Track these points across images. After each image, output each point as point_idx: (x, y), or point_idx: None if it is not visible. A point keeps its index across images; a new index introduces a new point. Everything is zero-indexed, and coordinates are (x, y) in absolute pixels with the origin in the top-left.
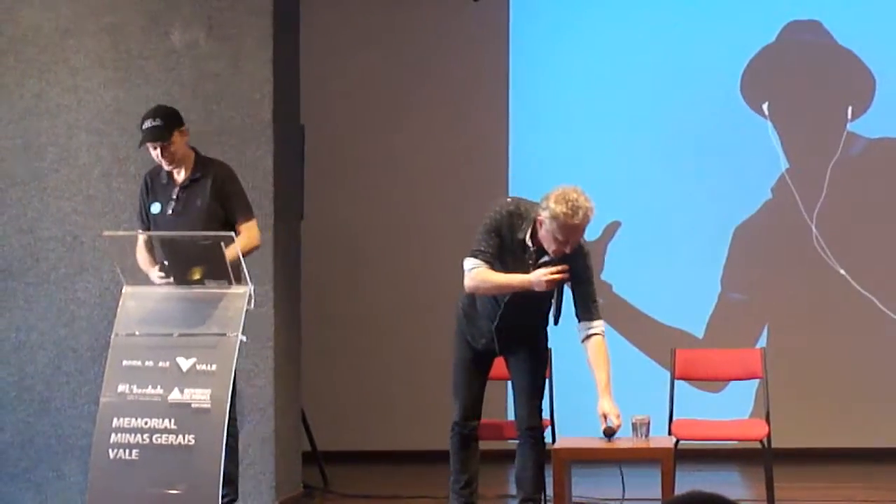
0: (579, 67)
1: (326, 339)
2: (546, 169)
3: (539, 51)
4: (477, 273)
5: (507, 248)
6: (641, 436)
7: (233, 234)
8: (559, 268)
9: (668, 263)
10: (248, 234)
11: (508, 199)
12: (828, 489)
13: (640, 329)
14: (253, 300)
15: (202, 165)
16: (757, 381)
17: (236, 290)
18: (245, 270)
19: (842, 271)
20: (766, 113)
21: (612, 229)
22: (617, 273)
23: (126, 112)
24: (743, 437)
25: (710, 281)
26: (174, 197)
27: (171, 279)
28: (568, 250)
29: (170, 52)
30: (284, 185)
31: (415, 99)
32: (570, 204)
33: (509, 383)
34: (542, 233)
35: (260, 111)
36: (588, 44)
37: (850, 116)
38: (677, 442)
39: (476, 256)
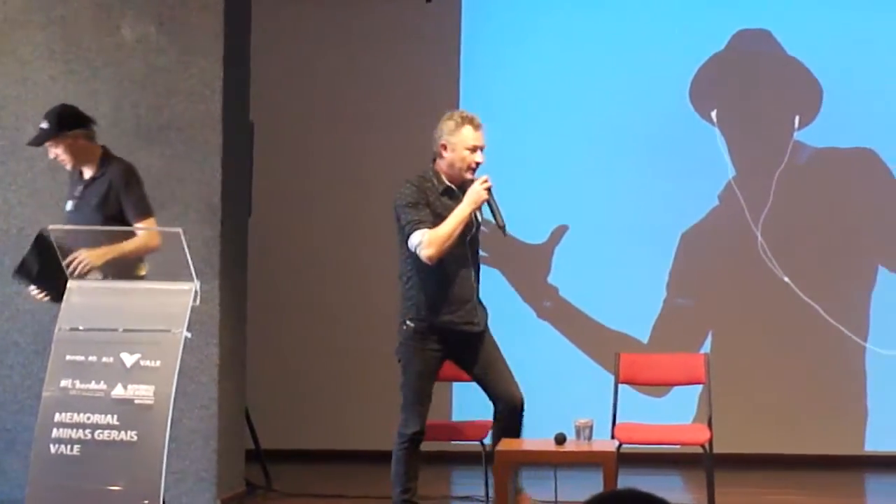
0: (529, 72)
1: (272, 337)
2: (494, 171)
3: (490, 53)
4: (429, 238)
5: (441, 207)
6: (584, 439)
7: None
8: (483, 177)
9: (615, 268)
10: (143, 236)
11: (404, 181)
12: (768, 495)
13: (585, 332)
14: (199, 296)
15: (103, 164)
16: (700, 386)
17: (182, 285)
18: (191, 266)
19: (786, 279)
20: (715, 120)
21: (559, 233)
22: (563, 276)
23: (74, 105)
24: (685, 442)
25: (656, 286)
26: (76, 195)
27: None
28: (482, 160)
29: (120, 45)
30: (232, 181)
31: (365, 97)
32: (457, 111)
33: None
34: (450, 160)
35: (209, 107)
36: (538, 48)
37: (797, 125)
38: (620, 445)
39: (417, 228)
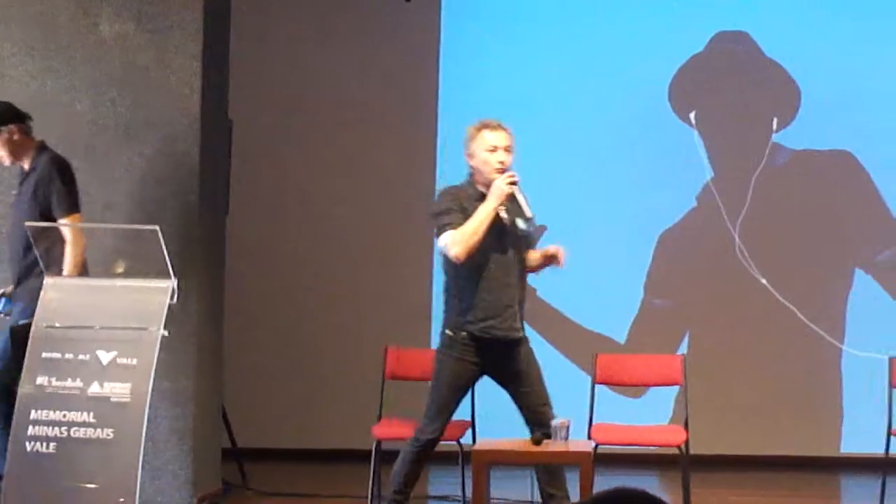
0: (507, 73)
1: (249, 335)
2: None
3: (469, 55)
4: (453, 236)
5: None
6: (561, 439)
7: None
8: (507, 173)
9: (593, 268)
10: (70, 245)
11: (437, 193)
12: (744, 496)
13: (562, 333)
14: (176, 294)
15: (36, 158)
16: (677, 387)
17: (159, 283)
18: (169, 264)
19: (763, 281)
20: (693, 122)
21: (537, 233)
22: (541, 277)
23: (53, 102)
24: (661, 443)
25: (634, 287)
26: (15, 191)
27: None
28: (505, 158)
29: (98, 42)
30: (210, 180)
31: (344, 97)
32: (480, 119)
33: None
34: (476, 166)
35: (188, 105)
36: (517, 50)
37: (775, 127)
38: (596, 446)
39: (446, 228)
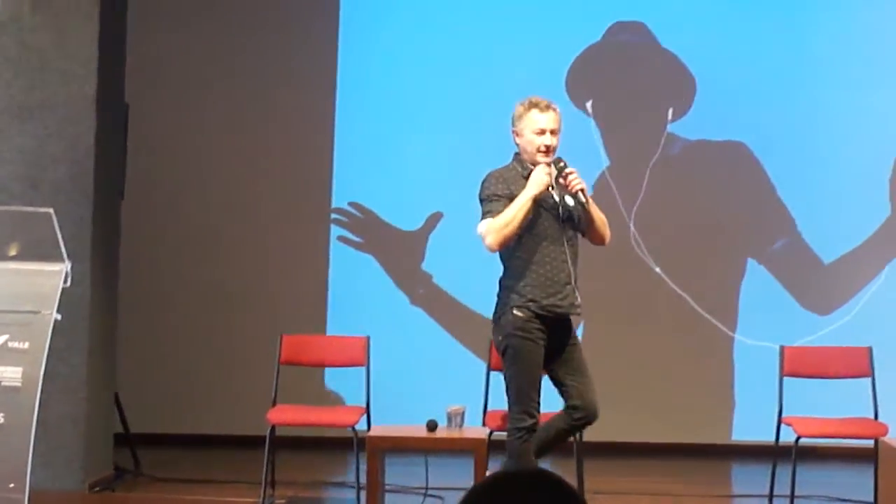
0: (404, 62)
1: (143, 320)
2: (369, 158)
3: (367, 45)
4: (489, 225)
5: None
6: (456, 426)
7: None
8: (545, 162)
9: (488, 256)
10: None
11: (487, 174)
12: (637, 483)
13: (457, 319)
14: (69, 278)
15: None
16: None
17: (52, 267)
18: (62, 247)
19: (657, 269)
20: (590, 111)
21: (433, 220)
22: (437, 263)
23: None
24: None
25: None
26: None
27: None
28: (551, 142)
29: None
30: (106, 163)
31: (242, 79)
32: (528, 97)
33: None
34: (522, 145)
35: (84, 88)
36: (414, 39)
37: (670, 117)
38: (491, 433)
39: (486, 216)
